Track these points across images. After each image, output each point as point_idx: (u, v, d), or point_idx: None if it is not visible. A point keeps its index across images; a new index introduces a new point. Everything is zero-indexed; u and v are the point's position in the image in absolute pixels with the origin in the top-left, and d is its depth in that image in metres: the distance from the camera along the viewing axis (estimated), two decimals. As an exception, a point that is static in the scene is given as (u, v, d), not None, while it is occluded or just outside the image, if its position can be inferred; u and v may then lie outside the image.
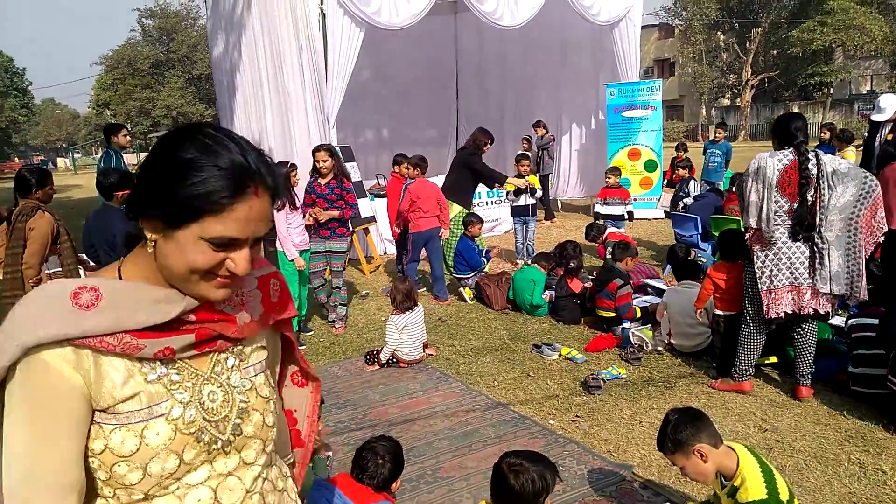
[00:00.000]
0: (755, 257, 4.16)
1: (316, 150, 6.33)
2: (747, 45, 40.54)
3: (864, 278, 3.93)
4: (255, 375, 1.29)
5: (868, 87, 45.54)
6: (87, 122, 72.82)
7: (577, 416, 4.34)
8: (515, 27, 9.96)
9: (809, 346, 4.24)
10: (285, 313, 1.40)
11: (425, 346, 5.56)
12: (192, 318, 1.16)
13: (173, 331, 1.14)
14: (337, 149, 8.84)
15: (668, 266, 7.88)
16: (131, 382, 1.12)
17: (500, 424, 4.26)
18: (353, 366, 5.53)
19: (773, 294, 4.10)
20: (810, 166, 3.93)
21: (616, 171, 9.37)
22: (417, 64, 13.68)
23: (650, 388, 4.73)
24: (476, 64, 14.81)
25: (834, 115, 39.22)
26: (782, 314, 4.10)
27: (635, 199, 11.89)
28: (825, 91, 41.37)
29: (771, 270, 4.09)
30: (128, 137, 7.69)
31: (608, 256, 7.64)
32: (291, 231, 5.77)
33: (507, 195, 8.63)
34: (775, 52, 42.29)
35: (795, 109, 42.55)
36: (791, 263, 4.05)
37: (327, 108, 8.90)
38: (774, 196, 4.00)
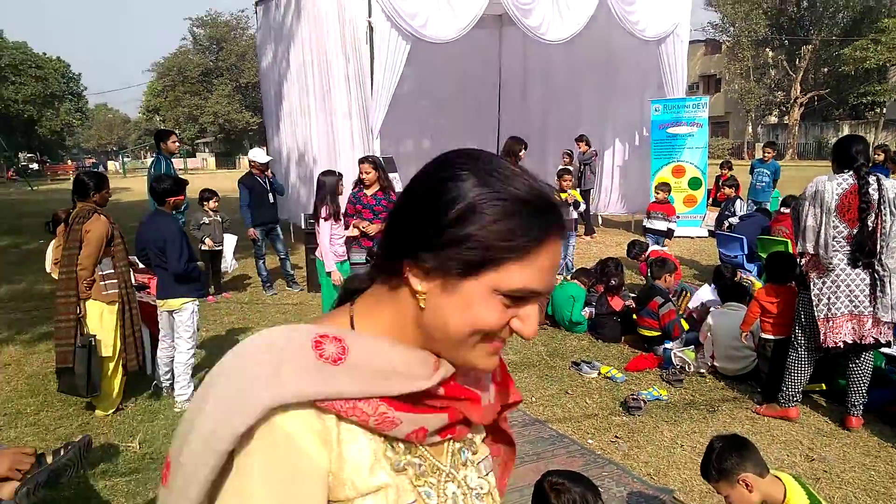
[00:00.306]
0: (811, 284, 4.06)
1: (361, 161, 6.41)
2: (797, 62, 39.75)
3: None
4: (487, 475, 1.02)
5: (924, 107, 44.15)
6: (137, 126, 75.11)
7: (616, 436, 4.28)
8: (561, 41, 9.97)
9: (865, 375, 4.12)
10: (511, 397, 1.12)
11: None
12: (442, 391, 0.91)
13: (425, 407, 0.89)
14: (381, 160, 8.99)
15: (713, 286, 7.77)
16: (378, 471, 0.86)
17: (538, 442, 4.24)
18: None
19: (830, 322, 3.99)
20: (871, 191, 3.82)
21: (666, 186, 9.33)
22: (460, 77, 13.79)
23: (692, 410, 4.65)
24: (519, 77, 14.84)
25: (886, 136, 38.14)
26: (840, 344, 3.99)
27: (679, 217, 11.79)
28: (877, 111, 40.30)
29: (829, 298, 3.99)
30: (177, 143, 7.90)
31: (649, 275, 7.58)
32: (334, 242, 5.85)
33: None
34: (826, 69, 41.37)
35: (846, 129, 41.52)
36: (851, 291, 3.94)
37: (372, 119, 9.02)
38: (833, 221, 3.90)
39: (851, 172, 3.92)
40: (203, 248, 7.97)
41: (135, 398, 5.14)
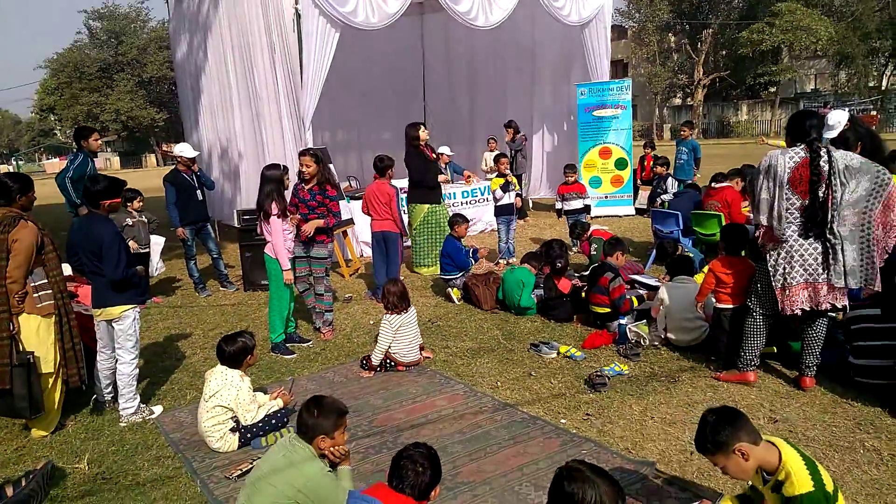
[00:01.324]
0: (767, 255, 4.20)
1: (302, 154, 6.18)
2: (699, 45, 41.51)
3: (878, 271, 3.99)
4: None
5: (812, 86, 47.18)
6: (30, 127, 70.23)
7: (587, 414, 4.31)
8: (490, 27, 9.96)
9: (819, 338, 4.31)
10: None
11: (421, 348, 5.47)
12: None
13: None
14: (320, 154, 8.71)
15: (650, 260, 8.00)
16: None
17: (512, 426, 4.20)
18: (349, 371, 5.40)
19: (787, 291, 4.14)
20: (822, 163, 3.96)
21: (572, 167, 9.53)
22: (383, 65, 13.58)
23: (654, 383, 4.74)
24: (443, 65, 14.78)
25: (781, 113, 40.54)
26: (798, 311, 4.14)
27: (606, 197, 12.09)
28: (770, 90, 42.70)
29: (784, 268, 4.13)
30: (99, 141, 7.38)
31: (593, 253, 7.72)
32: (287, 238, 5.60)
33: (493, 193, 8.59)
34: (724, 52, 43.48)
35: (745, 108, 43.90)
36: (804, 261, 4.09)
37: (302, 110, 8.72)
38: (786, 194, 4.03)
39: (803, 146, 4.06)
40: (128, 251, 7.47)
41: (73, 416, 4.78)
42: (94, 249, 4.41)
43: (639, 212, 12.00)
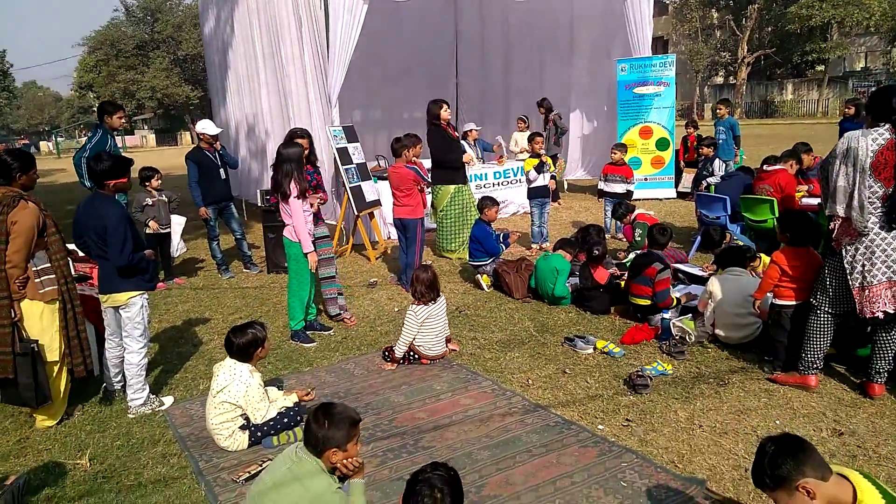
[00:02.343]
0: (843, 250, 3.72)
1: (300, 135, 5.93)
2: (743, 21, 39.95)
3: None
4: None
5: (862, 65, 45.20)
6: (69, 104, 71.42)
7: (627, 419, 3.92)
8: (526, -2, 9.41)
9: (893, 341, 3.83)
10: None
11: (447, 340, 5.12)
12: None
13: None
14: (336, 130, 8.37)
15: (694, 248, 7.50)
16: None
17: (544, 430, 3.84)
18: (370, 363, 5.08)
19: (867, 291, 3.67)
20: None
21: (622, 147, 8.96)
22: (413, 43, 13.09)
23: (702, 385, 4.32)
24: (477, 42, 14.24)
25: (829, 93, 38.92)
26: (880, 313, 3.67)
27: (646, 179, 11.52)
28: (817, 69, 40.97)
29: (863, 265, 3.65)
30: (123, 120, 7.14)
31: (637, 239, 7.25)
32: (307, 220, 5.29)
33: (526, 174, 8.15)
34: (770, 28, 41.79)
35: (790, 87, 42.25)
36: (888, 256, 3.61)
37: (329, 87, 8.36)
38: (867, 181, 3.54)
39: (889, 126, 3.55)
40: (148, 231, 7.28)
41: (81, 405, 4.55)
42: (99, 231, 4.15)
43: (682, 195, 11.42)
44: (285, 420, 3.90)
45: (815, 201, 7.04)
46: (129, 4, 49.79)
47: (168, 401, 4.54)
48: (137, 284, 4.29)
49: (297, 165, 5.19)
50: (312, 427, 2.66)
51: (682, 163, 11.88)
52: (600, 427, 3.85)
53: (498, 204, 7.25)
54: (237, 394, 3.76)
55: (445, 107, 7.63)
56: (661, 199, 11.41)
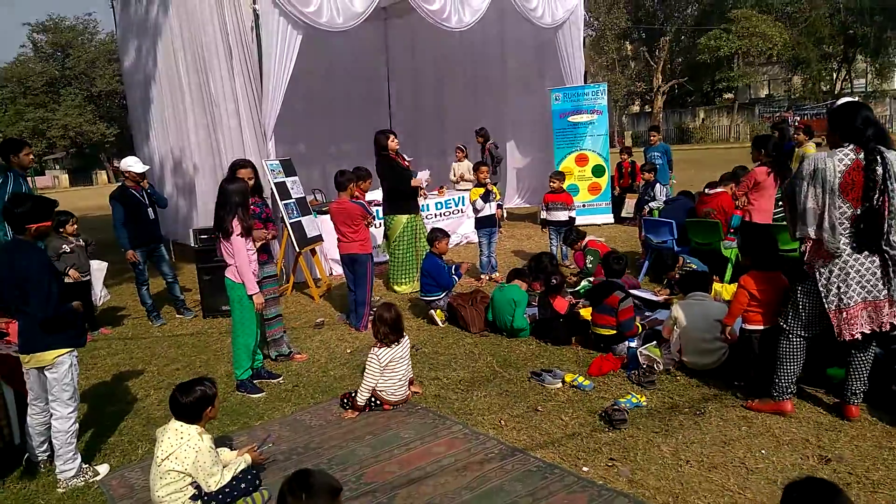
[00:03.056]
0: (817, 273, 3.66)
1: (242, 166, 5.57)
2: (656, 53, 41.86)
3: None
4: None
5: (766, 92, 48.15)
6: (-28, 145, 67.20)
7: (611, 458, 3.72)
8: (463, 28, 9.39)
9: (868, 362, 3.81)
10: None
11: (410, 382, 4.82)
12: None
13: None
14: (274, 164, 8.01)
15: (642, 272, 7.50)
16: None
17: (526, 477, 3.59)
18: (327, 412, 4.72)
19: (844, 314, 3.61)
20: (877, 167, 3.45)
21: (560, 175, 8.94)
22: (344, 74, 12.86)
23: (679, 416, 4.19)
24: (409, 72, 14.17)
25: (738, 119, 41.12)
26: (857, 335, 3.62)
27: (584, 206, 11.61)
28: (725, 96, 43.30)
29: (839, 287, 3.60)
30: (31, 156, 6.54)
31: (588, 266, 7.18)
32: (252, 260, 4.93)
33: (473, 204, 8.01)
34: (681, 59, 43.97)
35: (702, 114, 44.43)
36: (861, 276, 3.57)
37: (264, 119, 8.01)
38: (836, 202, 3.51)
39: (853, 147, 3.54)
40: (68, 280, 6.68)
41: (2, 479, 4.00)
42: (19, 283, 3.68)
43: (624, 220, 11.56)
44: (242, 486, 3.50)
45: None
46: (36, 41, 47.63)
47: (103, 469, 4.04)
48: (65, 341, 3.82)
49: (242, 201, 4.84)
50: (288, 501, 2.32)
51: (617, 188, 12.06)
52: (584, 469, 3.64)
53: (448, 236, 7.06)
54: (186, 460, 3.34)
55: (392, 137, 7.48)
56: (599, 225, 11.50)
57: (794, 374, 4.00)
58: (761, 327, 4.20)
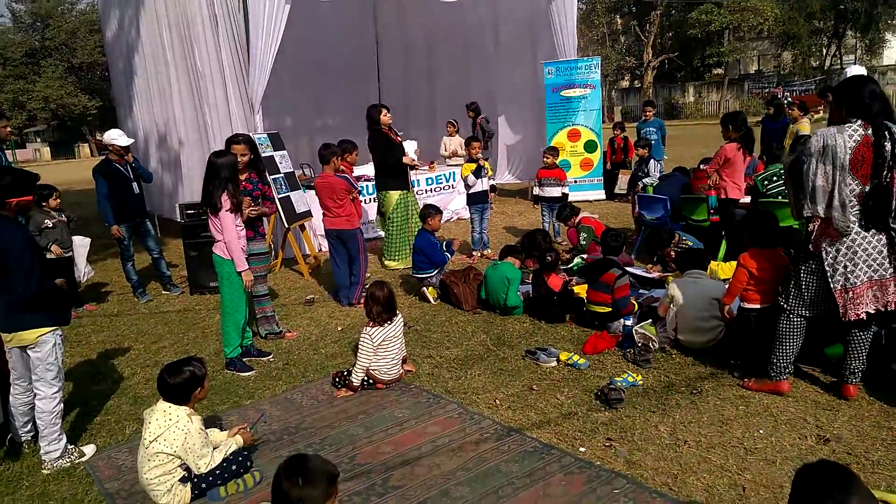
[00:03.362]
0: (823, 252, 3.59)
1: (235, 142, 5.37)
2: (647, 27, 41.50)
3: None
4: None
5: (755, 68, 47.96)
6: (-49, 117, 65.83)
7: (608, 439, 3.68)
8: (455, -1, 9.18)
9: (867, 341, 3.77)
10: None
11: (403, 360, 4.75)
12: None
13: None
14: (262, 137, 7.83)
15: (634, 248, 7.45)
16: None
17: (523, 458, 3.53)
18: (319, 391, 4.64)
19: (850, 293, 3.55)
20: (886, 143, 3.36)
21: (554, 150, 8.86)
22: (332, 47, 12.62)
23: (675, 395, 4.15)
24: (398, 45, 13.93)
25: (728, 95, 40.99)
26: (863, 314, 3.57)
27: (576, 182, 11.51)
28: (715, 72, 43.06)
29: (845, 266, 3.53)
30: (8, 129, 6.32)
31: (582, 243, 7.11)
32: (240, 236, 4.81)
33: (464, 180, 7.88)
34: (671, 34, 43.62)
35: (691, 90, 44.23)
36: (868, 255, 3.50)
37: (251, 91, 7.81)
38: (847, 179, 3.42)
39: (862, 122, 3.45)
40: (51, 256, 6.53)
41: (-16, 461, 3.90)
42: (0, 260, 3.54)
43: (616, 196, 11.49)
44: (233, 467, 3.43)
45: (748, 199, 7.13)
46: (15, 10, 46.45)
47: (89, 450, 3.95)
48: (48, 319, 3.70)
49: (231, 175, 4.70)
50: (285, 486, 2.25)
51: (608, 164, 11.96)
52: (581, 449, 3.59)
53: (441, 212, 6.94)
54: (175, 442, 3.25)
55: (385, 111, 7.34)
56: (591, 201, 11.42)
57: (792, 354, 3.96)
58: (759, 306, 4.15)
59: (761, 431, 3.63)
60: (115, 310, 7.11)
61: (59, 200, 6.86)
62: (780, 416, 3.80)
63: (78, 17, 46.56)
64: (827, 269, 3.58)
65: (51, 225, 6.60)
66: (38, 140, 57.00)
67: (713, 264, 5.76)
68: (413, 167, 8.02)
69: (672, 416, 3.87)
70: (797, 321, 3.87)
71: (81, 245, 7.13)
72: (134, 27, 10.64)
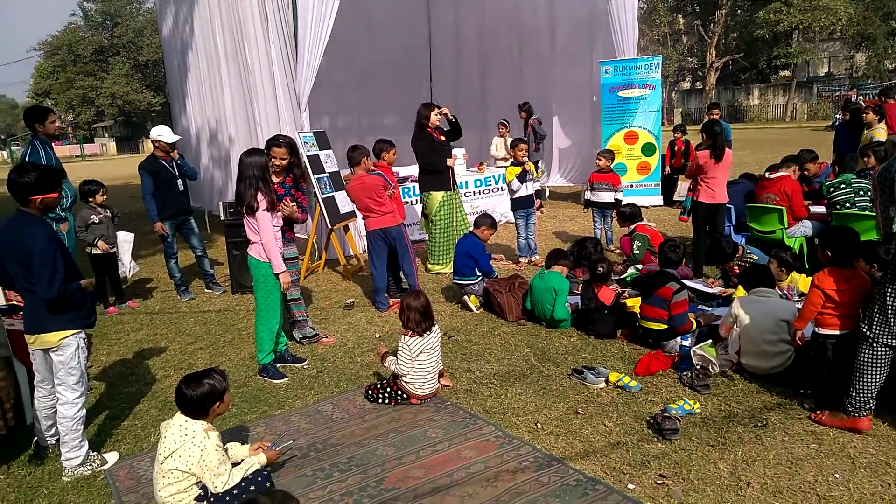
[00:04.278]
0: None
1: (276, 144, 5.17)
2: (710, 27, 40.16)
3: None
4: None
5: (826, 70, 45.86)
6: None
7: (660, 475, 3.32)
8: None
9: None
10: None
11: (440, 375, 4.48)
12: None
13: None
14: (307, 136, 7.68)
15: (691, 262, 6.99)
16: None
17: (565, 492, 3.21)
18: (351, 403, 4.41)
19: None
20: None
21: (609, 153, 8.44)
22: (385, 46, 12.45)
23: (738, 428, 3.75)
24: (452, 44, 13.67)
25: (795, 98, 39.32)
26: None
27: (632, 186, 11.03)
28: (782, 74, 41.31)
29: None
30: (56, 124, 6.33)
31: (636, 252, 6.72)
32: (277, 237, 4.63)
33: (508, 184, 7.56)
34: (736, 34, 42.10)
35: (756, 92, 42.61)
36: None
37: (298, 89, 7.67)
38: None
39: None
40: (96, 252, 6.53)
41: (8, 464, 3.82)
42: (23, 259, 3.42)
43: (675, 203, 10.96)
44: (251, 488, 3.20)
45: (822, 210, 6.61)
46: (86, 9, 48.30)
47: (112, 458, 3.82)
48: (71, 321, 3.57)
49: (261, 174, 4.52)
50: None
51: (667, 168, 11.42)
52: (630, 486, 3.24)
53: (496, 228, 6.67)
54: (190, 459, 3.05)
55: (436, 110, 7.08)
56: (647, 207, 10.92)
57: (874, 388, 3.52)
58: (837, 332, 3.71)
59: (837, 476, 3.22)
60: (157, 307, 7.07)
61: (105, 196, 6.85)
62: (858, 458, 3.37)
63: (145, 15, 48.12)
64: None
65: (97, 220, 6.60)
66: (106, 135, 59.23)
67: (795, 275, 5.29)
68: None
69: (734, 453, 3.48)
70: (882, 351, 3.43)
71: (125, 241, 7.12)
72: (188, 24, 10.70)
